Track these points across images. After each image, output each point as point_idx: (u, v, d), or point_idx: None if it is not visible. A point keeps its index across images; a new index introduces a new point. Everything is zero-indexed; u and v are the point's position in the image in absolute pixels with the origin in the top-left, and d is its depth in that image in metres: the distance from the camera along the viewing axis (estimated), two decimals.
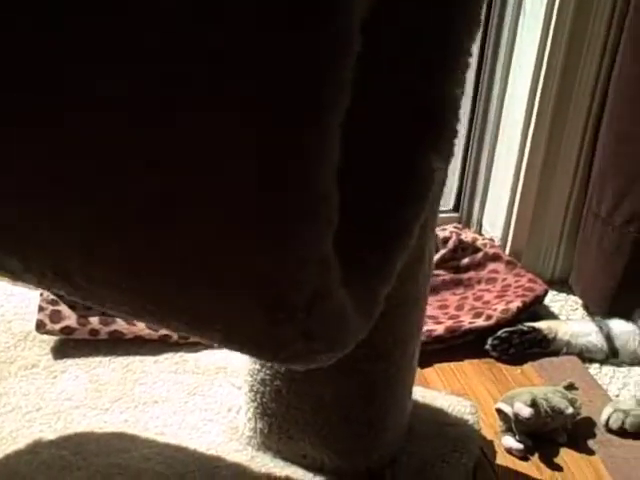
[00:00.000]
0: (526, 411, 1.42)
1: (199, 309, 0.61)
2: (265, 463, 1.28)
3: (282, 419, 1.24)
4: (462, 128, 2.07)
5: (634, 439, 1.51)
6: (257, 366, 1.22)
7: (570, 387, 1.52)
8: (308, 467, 1.27)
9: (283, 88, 0.53)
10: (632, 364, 1.73)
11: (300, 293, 0.58)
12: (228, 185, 0.55)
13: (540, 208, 1.94)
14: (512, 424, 1.45)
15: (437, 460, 1.32)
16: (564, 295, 1.96)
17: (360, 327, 0.76)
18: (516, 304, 1.74)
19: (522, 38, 1.85)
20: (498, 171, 2.01)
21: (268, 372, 1.21)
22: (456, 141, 2.02)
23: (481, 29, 1.92)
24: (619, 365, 1.73)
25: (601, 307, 1.83)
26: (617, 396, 1.63)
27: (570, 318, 1.87)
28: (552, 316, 1.87)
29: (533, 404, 1.43)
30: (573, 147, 1.87)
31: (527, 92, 1.83)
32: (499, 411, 1.46)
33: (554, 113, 1.83)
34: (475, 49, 1.95)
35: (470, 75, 2.01)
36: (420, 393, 1.46)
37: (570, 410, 1.45)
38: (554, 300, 1.95)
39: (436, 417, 1.41)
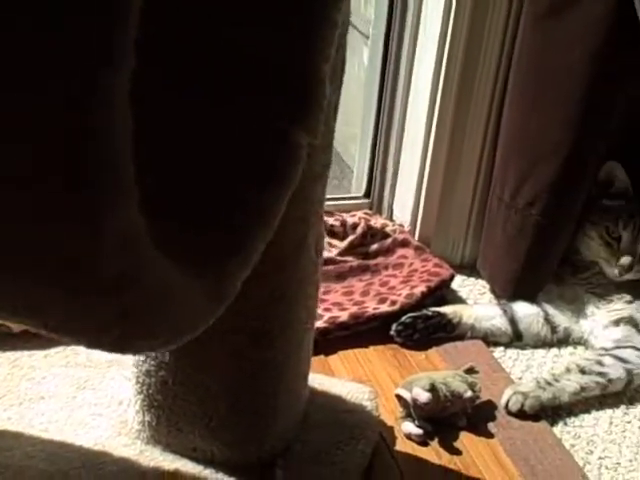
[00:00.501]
0: (424, 396, 1.41)
1: (21, 297, 0.58)
2: (154, 457, 1.24)
3: (170, 411, 1.21)
4: (371, 113, 2.06)
5: (533, 421, 1.52)
6: (142, 357, 1.19)
7: (470, 371, 1.52)
8: (198, 460, 1.24)
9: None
10: (536, 346, 1.75)
11: (105, 274, 0.55)
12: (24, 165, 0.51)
13: (447, 194, 1.93)
14: (411, 410, 1.44)
15: (332, 447, 1.30)
16: (473, 279, 1.97)
17: (209, 311, 0.73)
18: (420, 289, 1.74)
19: (425, 28, 1.84)
20: (406, 157, 2.00)
21: (152, 363, 1.18)
22: (371, 131, 2.05)
23: (385, 22, 1.92)
24: (523, 348, 1.74)
25: (506, 290, 1.83)
26: (520, 379, 1.64)
27: (478, 302, 1.88)
28: (460, 300, 1.88)
29: (432, 389, 1.43)
30: (477, 133, 1.87)
31: (430, 77, 1.83)
32: (398, 397, 1.45)
33: (457, 99, 1.82)
34: (380, 41, 1.97)
35: (376, 61, 2.01)
36: (318, 380, 1.44)
37: (469, 394, 1.45)
38: (463, 285, 1.95)
39: (333, 404, 1.39)
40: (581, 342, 1.75)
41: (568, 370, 1.58)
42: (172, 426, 1.22)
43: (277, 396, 1.20)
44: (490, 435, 1.48)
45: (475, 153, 1.89)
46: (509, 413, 1.52)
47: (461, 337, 1.72)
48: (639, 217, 1.70)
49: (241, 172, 0.77)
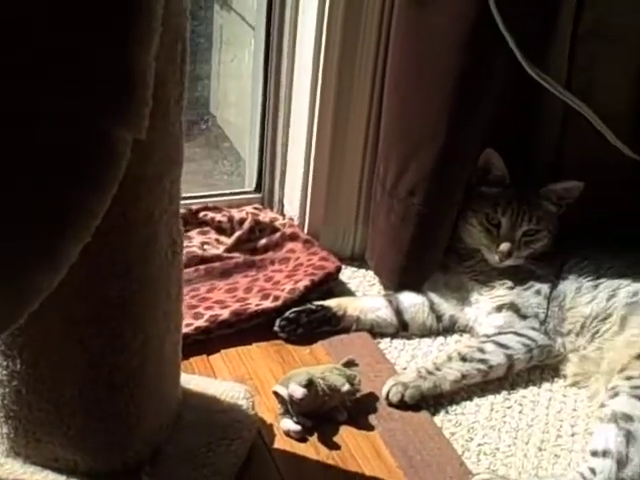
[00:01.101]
0: (299, 392, 1.39)
1: None
2: (14, 470, 1.19)
3: (27, 421, 1.16)
4: (258, 105, 2.03)
5: (415, 411, 1.52)
6: None
7: (349, 364, 1.51)
8: (61, 470, 1.19)
9: None
10: (422, 336, 1.75)
11: None
12: None
13: (334, 186, 1.92)
14: (288, 406, 1.42)
15: (204, 449, 1.27)
16: (363, 271, 1.96)
17: (8, 315, 0.69)
18: (304, 283, 1.72)
19: (304, 16, 1.82)
20: (292, 150, 1.98)
21: (4, 372, 1.13)
22: (258, 123, 2.02)
23: (265, 11, 1.90)
24: (409, 338, 1.74)
25: (392, 281, 1.83)
26: (405, 369, 1.64)
27: (367, 294, 1.87)
28: (349, 293, 1.87)
29: (309, 384, 1.41)
30: (360, 122, 1.86)
31: (310, 68, 1.81)
32: (276, 394, 1.43)
33: (337, 89, 1.81)
34: (262, 31, 1.95)
35: (260, 52, 1.98)
36: (195, 381, 1.41)
37: (347, 387, 1.44)
38: (353, 276, 1.94)
39: (208, 405, 1.36)
40: (466, 330, 1.76)
41: (450, 358, 1.59)
42: (30, 437, 1.18)
43: (137, 401, 1.17)
44: (370, 428, 1.47)
45: (359, 143, 1.88)
46: (390, 404, 1.51)
47: (347, 330, 1.71)
48: (517, 203, 1.71)
49: (56, 173, 0.73)
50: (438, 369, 1.56)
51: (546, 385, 1.64)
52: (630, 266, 1.70)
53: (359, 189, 1.93)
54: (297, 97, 1.91)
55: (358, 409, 1.49)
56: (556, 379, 1.66)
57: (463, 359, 1.58)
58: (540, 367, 1.67)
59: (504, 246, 1.69)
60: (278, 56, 1.92)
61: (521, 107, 1.80)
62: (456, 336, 1.76)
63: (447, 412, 1.54)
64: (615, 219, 1.87)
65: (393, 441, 1.44)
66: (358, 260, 1.99)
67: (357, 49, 1.77)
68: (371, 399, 1.53)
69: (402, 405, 1.51)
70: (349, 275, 1.94)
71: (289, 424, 1.42)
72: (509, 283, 1.72)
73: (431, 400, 1.55)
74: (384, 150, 1.78)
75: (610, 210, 1.88)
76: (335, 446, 1.42)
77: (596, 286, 1.67)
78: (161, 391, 1.23)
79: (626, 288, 1.65)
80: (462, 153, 1.67)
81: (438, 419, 1.52)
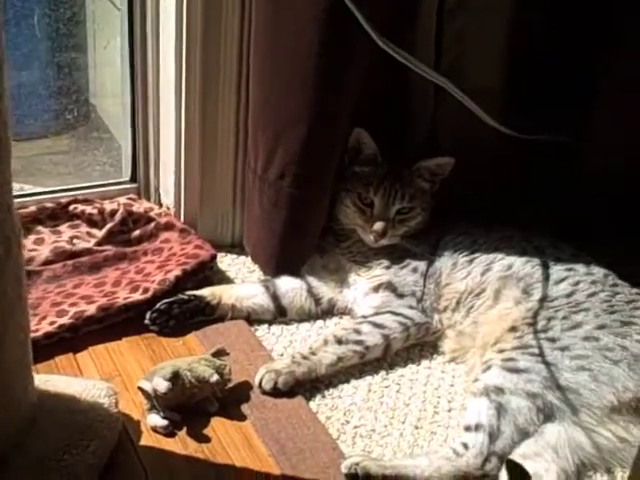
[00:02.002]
0: (163, 385, 1.34)
1: None
2: None
3: None
4: (127, 93, 1.96)
5: (289, 397, 1.48)
6: None
7: (219, 353, 1.46)
8: None
9: None
10: (301, 320, 1.72)
11: None
12: None
13: (208, 171, 1.86)
14: (154, 401, 1.37)
15: (59, 452, 1.21)
16: (243, 258, 1.91)
17: None
18: (175, 273, 1.66)
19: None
20: (164, 138, 1.91)
21: None
22: (129, 110, 1.95)
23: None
24: (288, 323, 1.71)
25: (269, 266, 1.79)
26: (282, 355, 1.61)
27: (246, 281, 1.83)
28: (228, 281, 1.82)
29: (174, 377, 1.36)
30: (230, 104, 1.80)
31: (173, 51, 1.75)
32: (141, 389, 1.38)
33: (203, 70, 1.76)
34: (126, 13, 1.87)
35: (126, 35, 1.90)
36: (52, 382, 1.34)
37: (215, 378, 1.40)
38: (233, 264, 1.89)
39: (66, 406, 1.30)
40: (346, 312, 1.73)
41: (325, 342, 1.56)
42: None
43: None
44: (242, 418, 1.43)
45: (230, 128, 1.83)
46: (264, 392, 1.48)
47: (222, 319, 1.66)
48: (389, 182, 1.69)
49: None
50: (313, 353, 1.53)
51: (425, 362, 1.63)
52: (504, 239, 1.70)
53: (234, 175, 1.88)
54: (164, 83, 1.84)
55: (230, 399, 1.45)
56: (435, 356, 1.66)
57: (339, 342, 1.56)
58: (419, 345, 1.66)
59: (378, 225, 1.67)
60: (143, 41, 1.86)
61: (394, 84, 1.78)
62: (336, 319, 1.74)
63: (324, 396, 1.51)
64: (490, 194, 1.88)
65: (265, 430, 1.40)
66: (238, 247, 1.95)
67: (220, 32, 1.72)
68: (244, 388, 1.49)
69: (276, 392, 1.47)
70: (229, 262, 1.89)
71: (156, 419, 1.37)
72: (386, 262, 1.70)
73: (308, 385, 1.52)
74: (253, 135, 1.73)
75: (485, 186, 1.89)
76: (205, 439, 1.37)
77: (471, 261, 1.67)
78: (6, 399, 1.16)
79: (500, 262, 1.65)
80: (329, 134, 1.63)
81: (314, 404, 1.49)
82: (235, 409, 1.44)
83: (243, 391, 1.48)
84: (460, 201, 1.78)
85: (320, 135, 1.62)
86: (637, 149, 1.89)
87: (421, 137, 1.83)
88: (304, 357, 1.52)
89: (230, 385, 1.46)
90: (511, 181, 1.92)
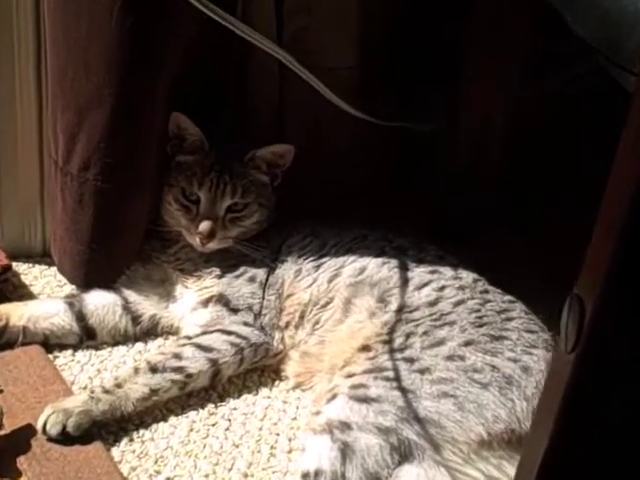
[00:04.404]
0: None
1: None
2: None
3: None
4: None
5: (83, 444, 1.17)
6: None
7: None
8: None
9: None
10: (116, 343, 1.41)
11: None
12: None
13: (6, 169, 1.53)
14: None
15: None
16: (54, 269, 1.58)
17: None
18: None
19: None
20: None
21: None
22: None
23: None
24: (99, 347, 1.39)
25: (76, 277, 1.48)
26: (85, 388, 1.29)
27: (56, 296, 1.50)
28: (30, 297, 1.49)
29: None
30: (29, 82, 1.47)
31: None
32: None
33: None
34: None
35: None
36: None
37: None
38: (41, 276, 1.56)
39: None
40: (172, 331, 1.43)
41: (136, 371, 1.26)
42: None
43: None
44: (17, 474, 1.11)
45: (32, 110, 1.50)
46: (50, 439, 1.16)
47: (11, 345, 1.33)
48: (217, 173, 1.40)
49: None
50: (119, 386, 1.23)
51: (264, 391, 1.35)
52: (358, 239, 1.44)
53: (40, 170, 1.55)
54: None
55: (5, 450, 1.13)
56: (277, 382, 1.37)
57: (153, 370, 1.26)
58: (258, 370, 1.38)
59: (204, 225, 1.38)
60: None
61: (227, 60, 1.51)
62: (160, 340, 1.43)
63: (132, 440, 1.21)
64: (349, 188, 1.63)
65: None
66: (51, 256, 1.62)
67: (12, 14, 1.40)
68: (25, 434, 1.16)
69: (66, 438, 1.16)
70: (36, 275, 1.56)
71: None
72: (217, 271, 1.42)
73: (112, 426, 1.21)
74: (52, 117, 1.41)
75: (343, 178, 1.63)
76: None
77: (318, 267, 1.40)
78: None
79: (352, 265, 1.38)
80: (137, 117, 1.33)
81: (118, 451, 1.19)
82: (9, 463, 1.12)
83: (22, 438, 1.16)
84: (310, 197, 1.52)
85: (125, 119, 1.32)
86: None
87: (264, 120, 1.56)
88: (106, 391, 1.21)
89: (4, 432, 1.13)
90: (374, 173, 1.69)
